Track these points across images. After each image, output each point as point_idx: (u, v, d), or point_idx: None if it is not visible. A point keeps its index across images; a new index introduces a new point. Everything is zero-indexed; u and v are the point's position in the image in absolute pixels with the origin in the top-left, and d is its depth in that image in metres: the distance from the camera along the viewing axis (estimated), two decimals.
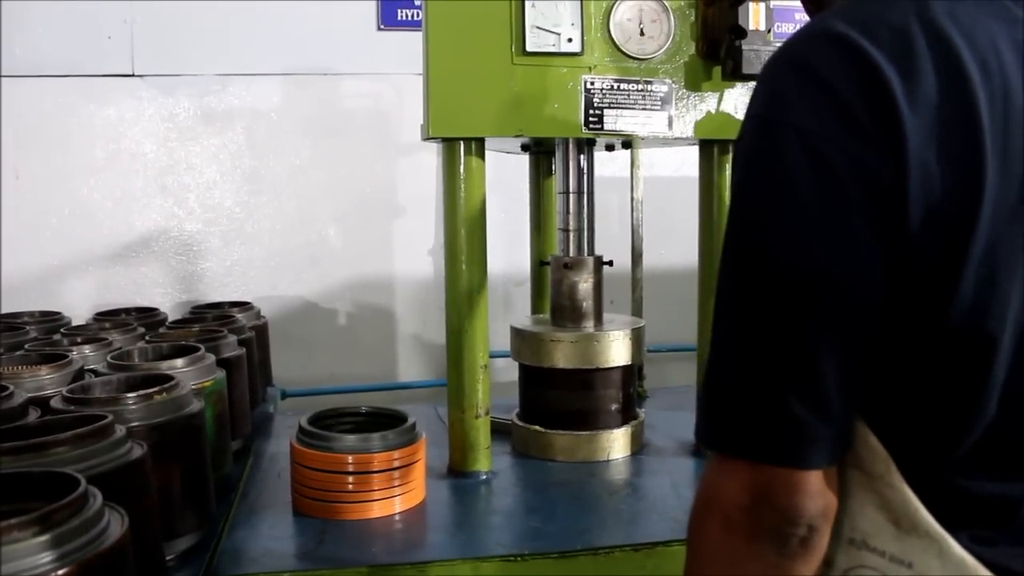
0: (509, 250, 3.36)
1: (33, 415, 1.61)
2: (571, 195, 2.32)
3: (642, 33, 2.04)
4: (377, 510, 1.90)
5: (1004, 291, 0.89)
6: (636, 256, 2.89)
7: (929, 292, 0.89)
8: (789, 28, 3.93)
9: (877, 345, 0.92)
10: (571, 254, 2.37)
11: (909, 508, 0.95)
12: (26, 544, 0.98)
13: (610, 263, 2.40)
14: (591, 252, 2.41)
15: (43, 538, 1.00)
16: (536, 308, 2.82)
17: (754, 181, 0.95)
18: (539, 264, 2.73)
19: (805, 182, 0.89)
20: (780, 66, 0.95)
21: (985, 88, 0.87)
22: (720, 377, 0.98)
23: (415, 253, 3.64)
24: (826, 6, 1.11)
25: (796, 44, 0.95)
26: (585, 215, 2.37)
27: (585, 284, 2.34)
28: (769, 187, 0.92)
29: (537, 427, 2.32)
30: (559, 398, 2.32)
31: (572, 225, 2.36)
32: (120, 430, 1.42)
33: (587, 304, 2.35)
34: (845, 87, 0.87)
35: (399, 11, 3.53)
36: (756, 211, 0.94)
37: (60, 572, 0.99)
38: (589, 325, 2.35)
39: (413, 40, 2.06)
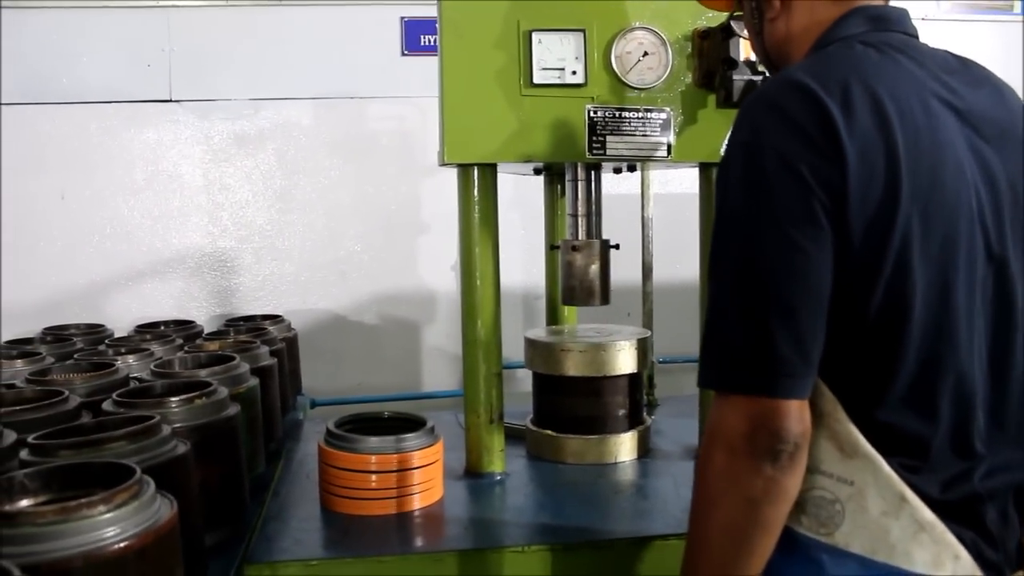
0: (528, 265, 3.50)
1: (86, 417, 1.78)
2: (580, 217, 2.45)
3: (641, 64, 2.18)
4: (398, 506, 2.05)
5: (915, 272, 1.20)
6: (646, 271, 3.04)
7: (862, 274, 1.20)
8: None
9: (830, 312, 1.22)
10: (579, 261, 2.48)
11: (851, 437, 1.24)
12: (93, 520, 1.15)
13: (616, 246, 2.51)
14: (598, 234, 2.52)
15: (107, 516, 1.16)
16: (551, 320, 2.96)
17: (744, 187, 1.23)
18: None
19: (782, 186, 1.19)
20: (759, 106, 1.26)
21: (900, 126, 1.21)
22: (721, 332, 1.25)
23: (438, 268, 3.78)
24: (783, 66, 1.48)
25: (771, 90, 1.27)
26: (594, 234, 2.50)
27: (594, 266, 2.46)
28: (756, 190, 1.22)
29: (549, 431, 2.46)
30: (570, 404, 2.46)
31: (582, 237, 2.49)
32: (166, 429, 1.58)
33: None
34: (806, 121, 1.20)
35: (422, 37, 3.70)
36: (747, 207, 1.23)
37: (122, 544, 1.15)
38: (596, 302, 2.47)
39: (436, 64, 2.22)
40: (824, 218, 1.18)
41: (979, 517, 1.25)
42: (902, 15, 1.39)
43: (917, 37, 1.39)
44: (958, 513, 1.24)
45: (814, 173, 1.18)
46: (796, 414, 1.20)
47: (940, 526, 1.21)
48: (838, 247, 1.19)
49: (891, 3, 1.42)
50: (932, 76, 1.30)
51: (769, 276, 1.20)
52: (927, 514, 1.21)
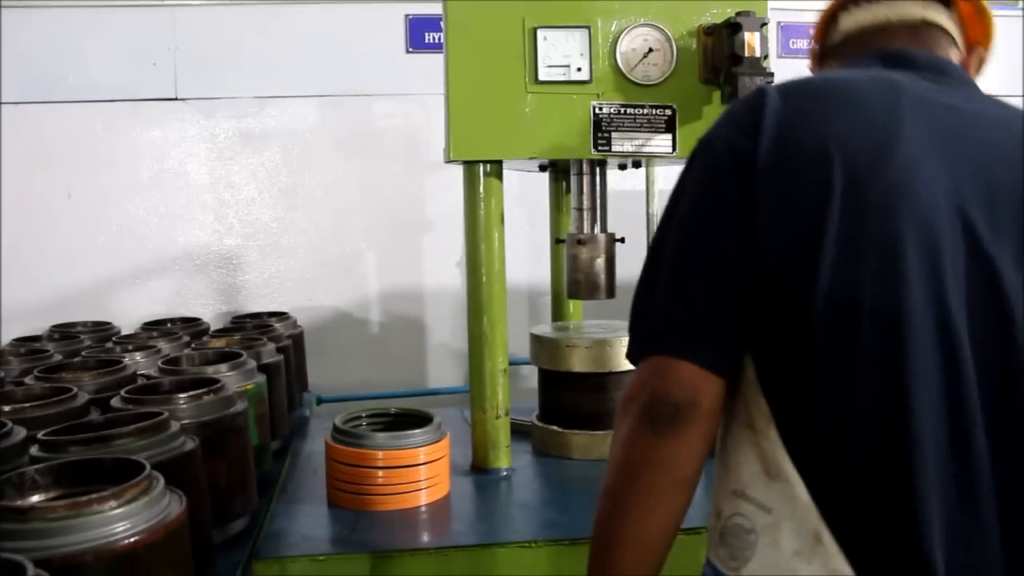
0: (534, 262, 3.50)
1: (95, 413, 1.79)
2: (585, 211, 2.45)
3: (646, 61, 2.19)
4: (405, 502, 2.06)
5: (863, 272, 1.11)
6: None
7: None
8: (802, 43, 4.07)
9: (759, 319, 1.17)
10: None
11: (777, 455, 1.13)
12: (104, 515, 1.16)
13: (622, 240, 2.51)
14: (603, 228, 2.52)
15: (118, 511, 1.17)
16: (557, 317, 2.97)
17: (685, 168, 1.27)
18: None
19: (700, 164, 1.24)
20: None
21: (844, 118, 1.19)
22: (633, 305, 1.27)
23: (443, 265, 3.79)
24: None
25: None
26: (599, 228, 2.50)
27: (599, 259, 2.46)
28: (684, 173, 1.26)
29: (555, 427, 2.48)
30: (575, 400, 2.47)
31: (587, 231, 2.49)
32: (175, 425, 1.59)
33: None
34: (742, 108, 1.24)
35: (426, 34, 3.70)
36: (675, 188, 1.27)
37: (133, 539, 1.16)
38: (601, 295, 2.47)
39: (440, 62, 2.23)
40: (738, 192, 1.17)
41: None
42: (932, 60, 1.33)
43: (957, 75, 1.34)
44: None
45: (731, 146, 1.20)
46: (682, 376, 1.17)
47: None
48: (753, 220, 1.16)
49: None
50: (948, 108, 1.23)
51: (673, 242, 1.22)
52: (842, 565, 1.08)
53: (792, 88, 1.25)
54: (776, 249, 1.14)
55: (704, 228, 1.20)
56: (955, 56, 1.38)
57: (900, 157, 1.14)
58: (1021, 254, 1.14)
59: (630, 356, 1.27)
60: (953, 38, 1.39)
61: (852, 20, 1.41)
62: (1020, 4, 3.99)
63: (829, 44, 1.47)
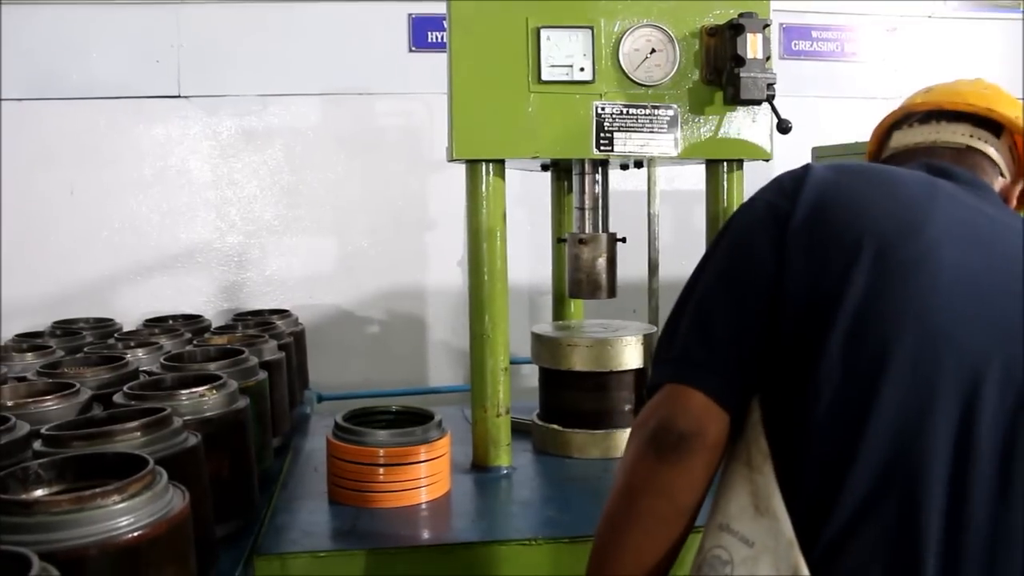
0: (535, 261, 3.51)
1: (97, 409, 1.80)
2: (587, 211, 2.46)
3: (649, 61, 2.20)
4: (405, 499, 2.06)
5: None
6: (653, 267, 3.05)
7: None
8: (805, 45, 4.07)
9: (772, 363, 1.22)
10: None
11: (769, 489, 1.17)
12: (107, 510, 1.16)
13: (623, 239, 2.52)
14: (605, 228, 2.54)
15: (121, 505, 1.18)
16: (558, 316, 2.98)
17: (728, 220, 1.37)
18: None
19: (741, 219, 1.34)
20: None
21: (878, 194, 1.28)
22: (658, 340, 1.35)
23: (445, 264, 3.80)
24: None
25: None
26: (601, 228, 2.51)
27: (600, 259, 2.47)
28: (729, 221, 1.36)
29: (555, 426, 2.48)
30: (576, 399, 2.48)
31: (589, 231, 2.50)
32: (177, 421, 1.60)
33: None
34: (787, 176, 1.32)
35: (429, 33, 3.72)
36: (717, 236, 1.36)
37: (136, 533, 1.17)
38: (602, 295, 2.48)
39: (443, 61, 2.23)
40: (769, 246, 1.25)
41: None
42: (970, 177, 1.40)
43: (990, 195, 1.41)
44: None
45: (769, 205, 1.29)
46: (690, 406, 1.22)
47: None
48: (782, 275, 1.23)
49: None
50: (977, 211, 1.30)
51: (703, 281, 1.31)
52: None
53: (838, 166, 1.33)
54: (800, 300, 1.20)
55: (733, 274, 1.28)
56: (998, 183, 1.47)
57: (927, 235, 1.20)
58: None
59: (648, 388, 1.32)
60: (998, 166, 1.47)
61: (903, 137, 1.53)
62: (1021, 7, 4.00)
63: (881, 157, 1.59)
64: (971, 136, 1.47)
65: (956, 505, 1.11)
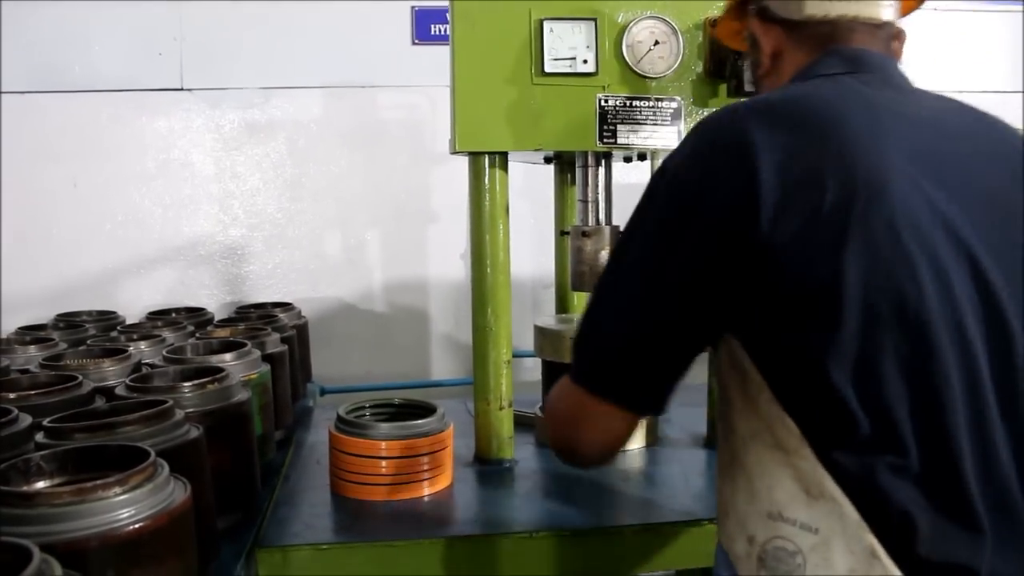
0: (537, 254, 3.50)
1: (99, 401, 1.80)
2: (590, 204, 2.45)
3: (652, 53, 2.19)
4: (408, 492, 2.06)
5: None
6: None
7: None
8: None
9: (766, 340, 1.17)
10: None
11: (817, 474, 1.11)
12: (109, 502, 1.16)
13: None
14: (608, 220, 2.51)
15: (122, 497, 1.18)
16: (561, 309, 2.97)
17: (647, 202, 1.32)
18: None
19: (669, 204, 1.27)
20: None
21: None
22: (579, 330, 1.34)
23: (448, 257, 3.79)
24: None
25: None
26: (604, 220, 2.50)
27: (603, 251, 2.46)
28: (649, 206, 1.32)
29: None
30: None
31: (592, 223, 2.49)
32: (179, 413, 1.60)
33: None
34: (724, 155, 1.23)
35: (432, 26, 3.70)
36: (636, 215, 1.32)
37: (137, 526, 1.17)
38: None
39: (446, 54, 2.22)
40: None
41: None
42: (884, 61, 1.37)
43: (900, 76, 1.38)
44: None
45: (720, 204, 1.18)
46: (601, 423, 1.31)
47: None
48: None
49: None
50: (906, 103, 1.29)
51: (615, 292, 1.29)
52: None
53: (771, 118, 1.21)
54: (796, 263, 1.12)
55: (659, 280, 1.22)
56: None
57: (894, 184, 1.13)
58: (1008, 260, 1.17)
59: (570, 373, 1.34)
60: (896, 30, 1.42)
61: (819, 5, 1.37)
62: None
63: (793, 27, 1.42)
64: (886, 5, 1.38)
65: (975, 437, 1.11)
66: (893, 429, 1.09)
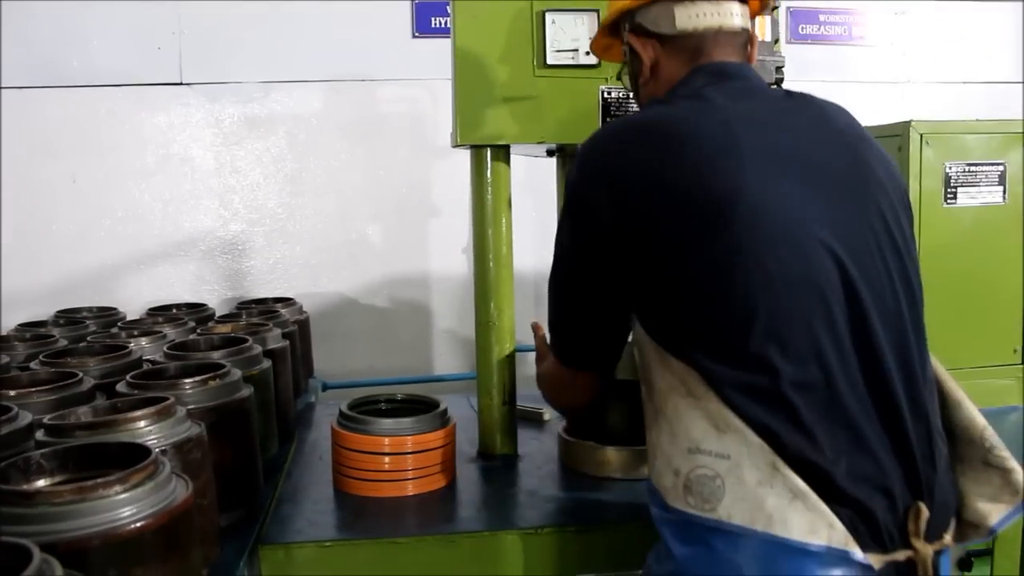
0: (539, 248, 3.49)
1: (100, 398, 1.79)
2: None
3: None
4: (411, 488, 2.05)
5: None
6: None
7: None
8: (813, 29, 4.04)
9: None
10: None
11: (722, 413, 1.34)
12: (110, 500, 1.15)
13: None
14: None
15: (124, 495, 1.17)
16: None
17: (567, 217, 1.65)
18: None
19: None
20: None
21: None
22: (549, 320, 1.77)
23: (450, 251, 3.78)
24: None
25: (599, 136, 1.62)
26: None
27: None
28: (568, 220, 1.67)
29: None
30: None
31: None
32: (181, 410, 1.58)
33: None
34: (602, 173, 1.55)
35: (432, 19, 3.69)
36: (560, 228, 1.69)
37: (139, 524, 1.16)
38: None
39: (446, 47, 2.21)
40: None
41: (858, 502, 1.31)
42: (740, 68, 1.58)
43: (755, 80, 1.59)
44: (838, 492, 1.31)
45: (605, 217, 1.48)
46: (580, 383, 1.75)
47: (813, 496, 1.28)
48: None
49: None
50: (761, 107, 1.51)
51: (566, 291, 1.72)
52: (799, 483, 1.28)
53: (637, 138, 1.48)
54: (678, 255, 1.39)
55: (587, 282, 1.59)
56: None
57: (747, 188, 1.36)
58: (857, 237, 1.41)
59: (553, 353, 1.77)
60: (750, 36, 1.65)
61: (689, 18, 1.57)
62: None
63: (665, 41, 1.62)
64: (740, 15, 1.60)
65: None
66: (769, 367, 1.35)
